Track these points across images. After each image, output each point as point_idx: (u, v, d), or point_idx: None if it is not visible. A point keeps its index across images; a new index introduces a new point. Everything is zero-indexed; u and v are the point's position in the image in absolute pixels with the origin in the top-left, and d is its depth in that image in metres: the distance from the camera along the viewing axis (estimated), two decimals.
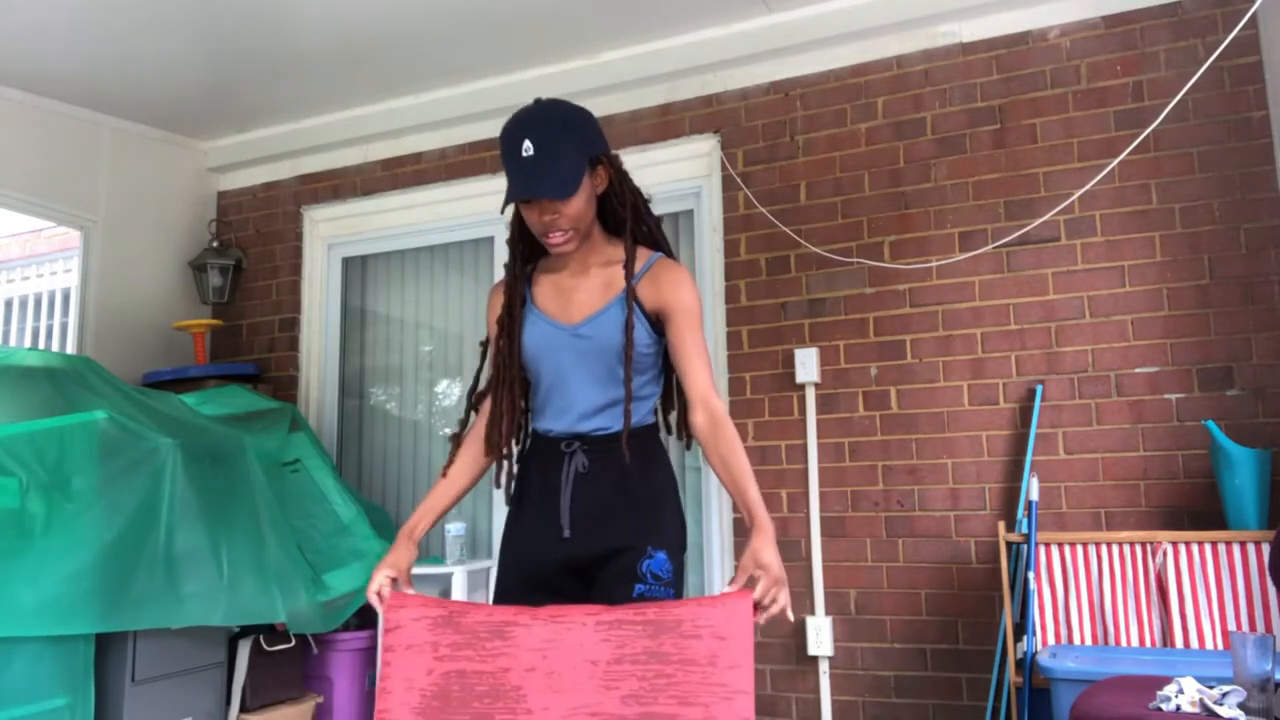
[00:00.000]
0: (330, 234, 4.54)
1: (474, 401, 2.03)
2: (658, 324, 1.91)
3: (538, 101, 1.90)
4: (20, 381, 3.04)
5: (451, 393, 4.30)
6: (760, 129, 3.68)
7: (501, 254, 4.15)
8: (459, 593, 3.60)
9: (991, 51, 3.37)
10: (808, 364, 3.46)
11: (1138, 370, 3.08)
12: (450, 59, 3.88)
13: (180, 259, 4.57)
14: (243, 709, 3.35)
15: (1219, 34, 3.07)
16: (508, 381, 1.94)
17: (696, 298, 1.90)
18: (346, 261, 4.58)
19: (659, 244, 1.99)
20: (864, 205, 3.48)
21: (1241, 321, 2.99)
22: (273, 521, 3.42)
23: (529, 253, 2.01)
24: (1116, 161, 3.15)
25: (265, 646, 3.39)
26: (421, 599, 1.78)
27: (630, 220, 1.93)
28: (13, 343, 6.75)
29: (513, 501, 2.00)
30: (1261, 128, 3.02)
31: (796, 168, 3.60)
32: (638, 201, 1.97)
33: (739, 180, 3.67)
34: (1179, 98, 3.07)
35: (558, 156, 1.79)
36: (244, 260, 4.64)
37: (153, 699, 3.02)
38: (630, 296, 1.87)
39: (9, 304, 6.96)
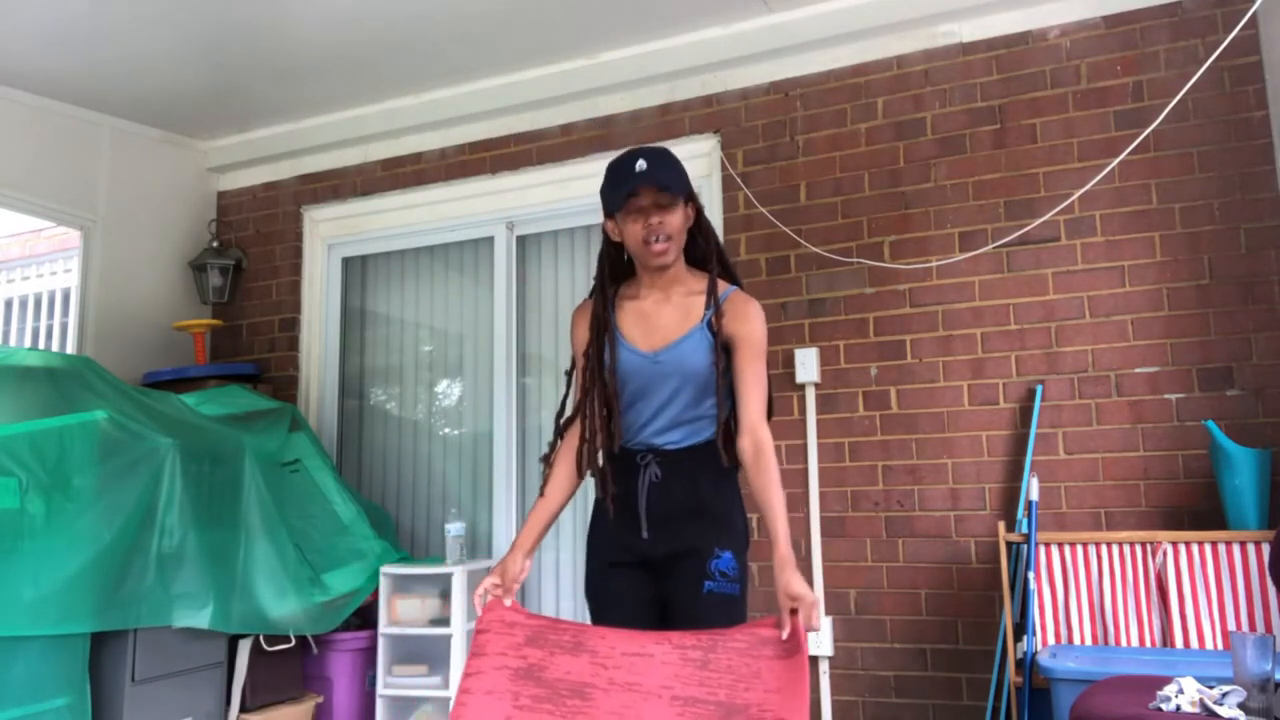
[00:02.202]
0: (330, 234, 4.54)
1: (562, 428, 2.22)
2: (727, 351, 2.09)
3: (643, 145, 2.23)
4: (20, 381, 3.04)
5: (451, 393, 4.30)
6: (760, 129, 3.68)
7: (501, 254, 4.16)
8: (459, 593, 3.60)
9: (991, 51, 3.37)
10: (808, 364, 3.46)
11: (1138, 370, 3.08)
12: (450, 59, 3.88)
13: (180, 259, 4.57)
14: (243, 709, 3.34)
15: (1219, 34, 3.07)
16: (598, 408, 2.12)
17: (763, 333, 2.09)
18: (346, 261, 4.58)
19: (734, 279, 2.20)
20: (864, 205, 3.48)
21: (1241, 321, 2.99)
22: (272, 521, 3.42)
23: (615, 278, 2.22)
24: (1116, 161, 3.15)
25: (265, 646, 3.39)
26: (513, 610, 1.96)
27: (715, 252, 2.16)
28: (13, 343, 6.75)
29: (597, 504, 2.19)
30: (1261, 128, 3.02)
31: (796, 168, 3.60)
32: (718, 248, 2.19)
33: (739, 180, 3.67)
34: (1179, 98, 3.07)
35: (669, 167, 2.05)
36: (244, 260, 4.64)
37: (152, 699, 3.02)
38: (711, 325, 2.07)
39: (9, 304, 6.95)
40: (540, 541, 2.16)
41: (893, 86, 3.50)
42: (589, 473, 2.15)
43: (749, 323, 2.07)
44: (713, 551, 2.03)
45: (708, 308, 2.08)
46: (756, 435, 1.99)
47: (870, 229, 3.46)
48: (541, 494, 2.17)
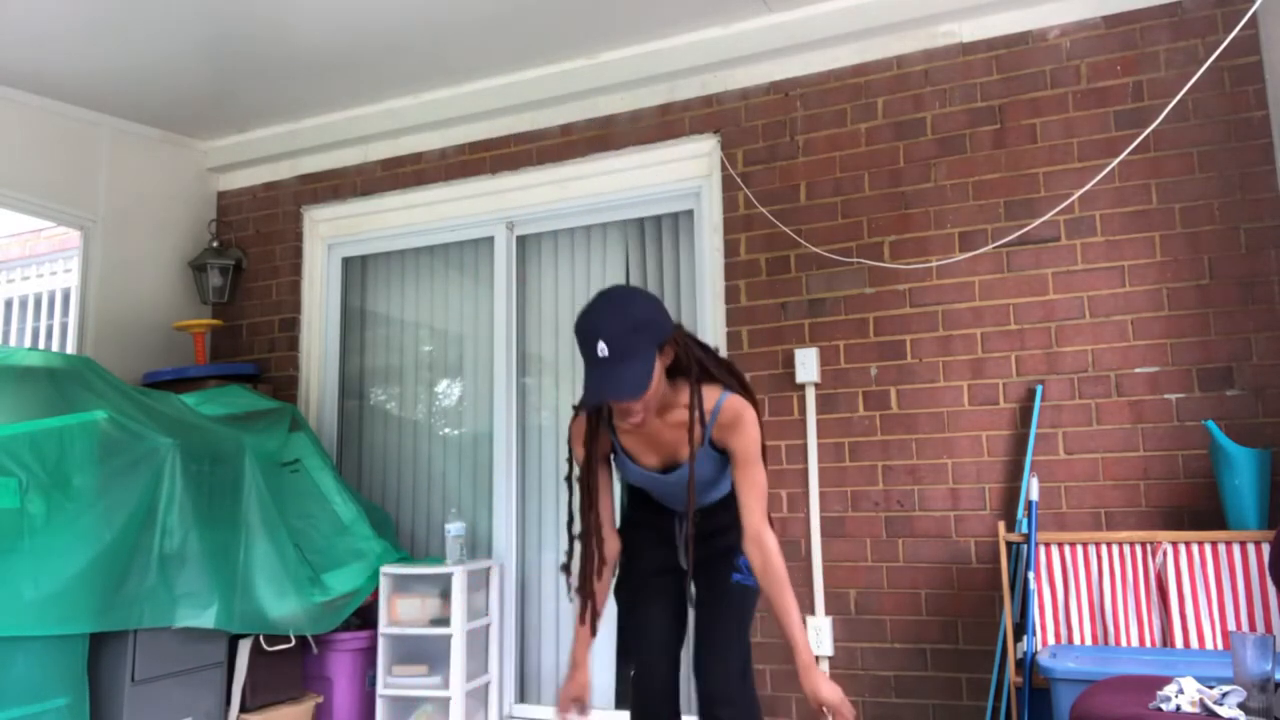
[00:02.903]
0: (330, 234, 4.54)
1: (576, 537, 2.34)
2: (726, 450, 2.20)
3: (609, 297, 2.09)
4: (20, 381, 3.04)
5: (451, 393, 4.30)
6: (760, 129, 3.68)
7: (501, 254, 4.16)
8: (459, 592, 3.60)
9: (991, 51, 3.38)
10: (808, 364, 3.46)
11: (1138, 370, 3.08)
12: (450, 59, 3.88)
13: (180, 259, 4.57)
14: (242, 709, 3.35)
15: (1219, 34, 3.07)
16: (593, 533, 2.25)
17: (755, 438, 2.16)
18: (346, 261, 4.58)
19: (722, 375, 2.22)
20: (864, 205, 3.48)
21: (1241, 321, 2.99)
22: (272, 521, 3.42)
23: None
24: (1116, 161, 3.15)
25: (265, 646, 3.39)
26: None
27: (696, 375, 2.16)
28: (13, 343, 6.75)
29: (627, 530, 2.39)
30: (1261, 128, 3.02)
31: (796, 168, 3.60)
32: (702, 355, 2.20)
33: (739, 180, 3.67)
34: (1179, 98, 3.07)
35: (632, 355, 2.01)
36: (244, 260, 4.64)
37: (152, 699, 3.02)
38: (713, 443, 2.18)
39: (9, 304, 6.95)
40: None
41: (893, 86, 3.50)
42: (593, 589, 2.27)
43: (741, 436, 2.14)
44: (736, 554, 2.26)
45: (705, 428, 2.14)
46: (761, 542, 2.11)
47: (870, 229, 3.46)
48: (581, 622, 2.27)
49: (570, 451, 2.32)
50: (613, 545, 2.31)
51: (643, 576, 2.38)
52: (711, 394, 2.16)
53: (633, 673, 2.32)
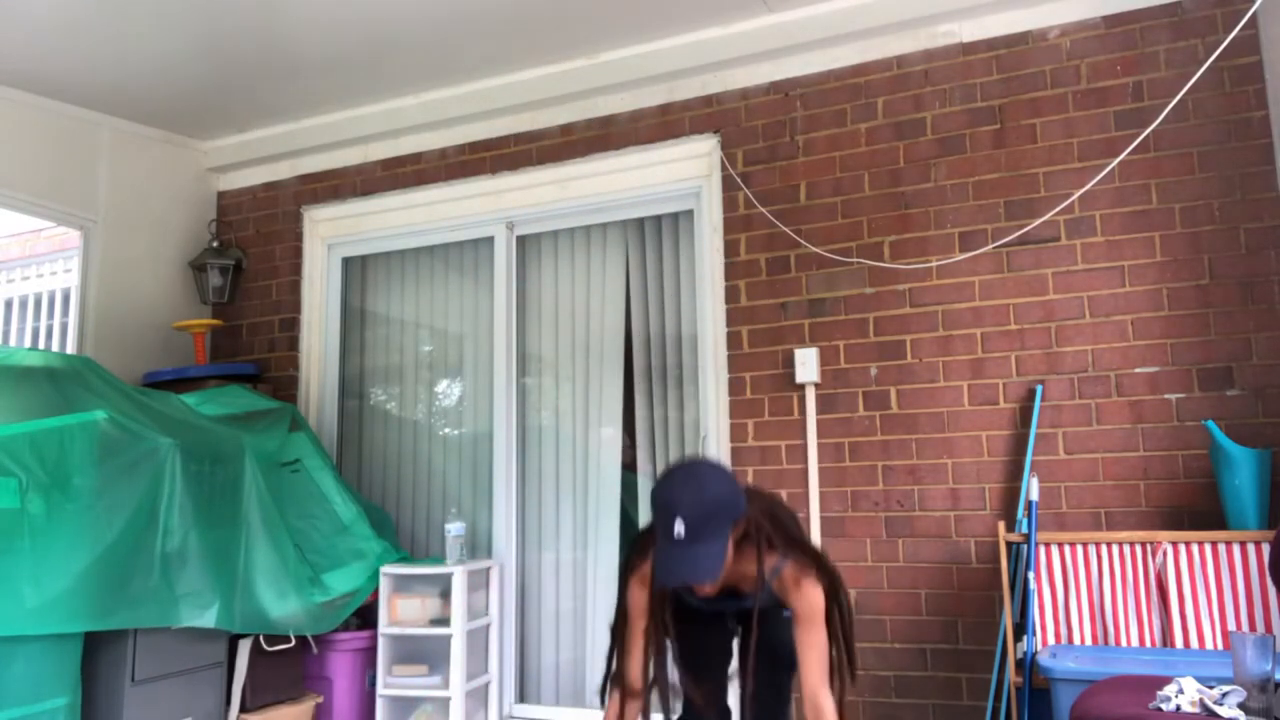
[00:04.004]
0: (330, 234, 4.54)
1: (613, 685, 2.30)
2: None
3: (690, 473, 2.09)
4: (20, 381, 3.04)
5: (451, 393, 4.30)
6: (760, 129, 3.68)
7: (501, 254, 4.16)
8: (459, 592, 3.60)
9: (991, 51, 3.38)
10: (808, 364, 3.46)
11: (1138, 370, 3.08)
12: (450, 59, 3.88)
13: (180, 259, 4.57)
14: (242, 709, 3.34)
15: (1219, 34, 3.07)
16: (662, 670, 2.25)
17: (815, 603, 2.14)
18: (346, 261, 4.58)
19: (784, 545, 2.20)
20: (864, 205, 3.48)
21: (1241, 321, 2.99)
22: (273, 521, 3.42)
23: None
24: (1116, 161, 3.15)
25: (265, 646, 3.39)
26: None
27: (762, 548, 2.15)
28: (13, 343, 6.75)
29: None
30: (1261, 128, 3.02)
31: (796, 168, 3.60)
32: (769, 526, 2.19)
33: (739, 180, 3.67)
34: (1179, 98, 3.07)
35: (709, 538, 2.03)
36: (244, 260, 4.64)
37: (152, 699, 3.02)
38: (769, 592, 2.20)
39: (9, 304, 6.95)
40: None
41: (893, 86, 3.50)
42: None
43: (800, 597, 2.14)
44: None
45: (761, 589, 2.16)
46: (817, 704, 2.08)
47: (870, 229, 3.46)
48: None
49: (621, 591, 2.30)
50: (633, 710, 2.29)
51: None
52: (771, 559, 2.18)
53: None
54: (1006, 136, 3.32)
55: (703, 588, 2.11)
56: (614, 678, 2.27)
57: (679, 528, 2.01)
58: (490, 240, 4.22)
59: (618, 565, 3.78)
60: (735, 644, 2.55)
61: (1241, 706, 1.95)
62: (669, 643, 2.26)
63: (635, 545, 2.31)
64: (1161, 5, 3.17)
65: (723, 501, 2.06)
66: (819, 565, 2.18)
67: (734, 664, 2.53)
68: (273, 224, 4.62)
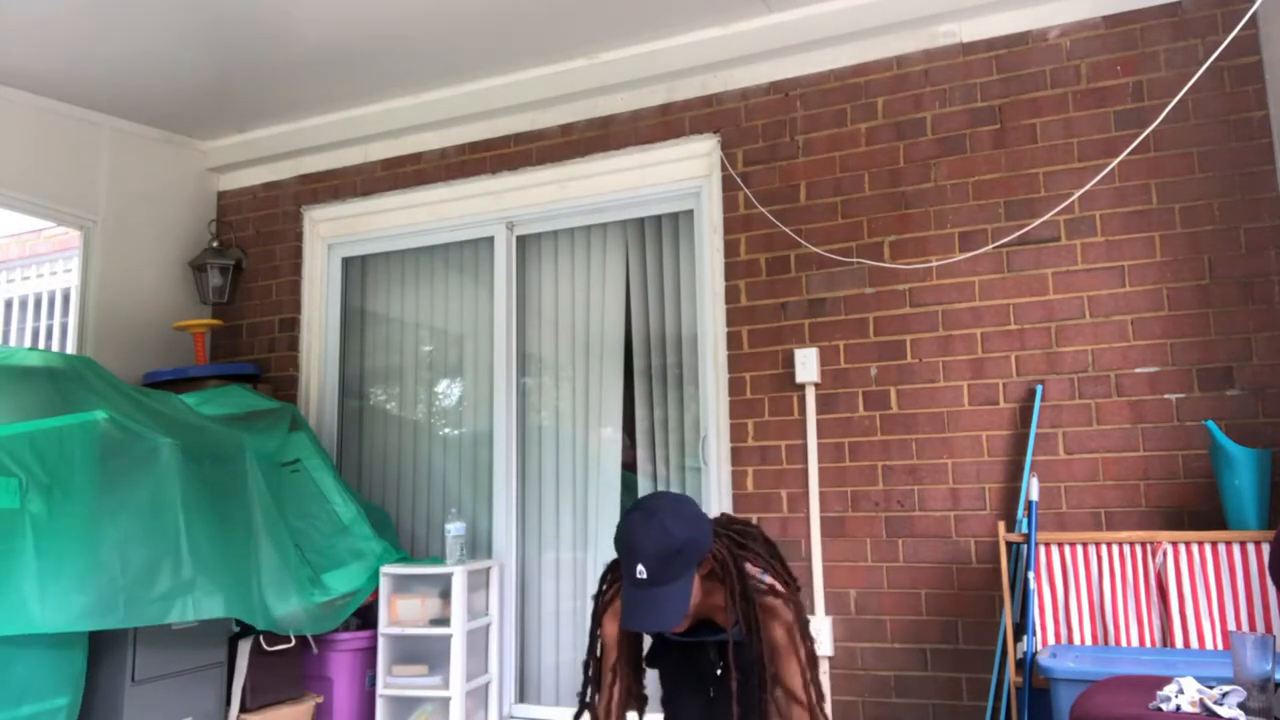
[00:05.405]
0: (330, 234, 4.54)
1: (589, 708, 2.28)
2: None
3: (650, 513, 2.05)
4: (20, 381, 3.04)
5: (451, 393, 4.30)
6: (760, 129, 3.68)
7: (501, 254, 4.16)
8: (459, 592, 3.60)
9: (991, 51, 3.38)
10: (808, 364, 3.46)
11: (1138, 370, 3.08)
12: (450, 59, 3.88)
13: (180, 259, 4.57)
14: (242, 709, 3.35)
15: (1219, 34, 3.07)
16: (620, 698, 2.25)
17: (776, 637, 2.10)
18: (346, 262, 4.58)
19: (758, 576, 2.16)
20: (864, 205, 3.48)
21: (1241, 321, 2.99)
22: (273, 521, 3.42)
23: None
24: (1116, 161, 3.15)
25: (265, 646, 3.39)
26: None
27: (735, 585, 2.10)
28: (13, 343, 6.75)
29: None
30: (1261, 128, 3.02)
31: (796, 168, 3.60)
32: (732, 562, 2.12)
33: (739, 180, 3.67)
34: (1179, 98, 3.07)
35: (671, 579, 2.01)
36: (244, 260, 4.64)
37: (152, 699, 3.02)
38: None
39: (9, 304, 6.95)
40: None
41: (893, 86, 3.50)
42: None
43: (765, 632, 2.10)
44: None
45: (733, 624, 2.11)
46: None
47: (870, 229, 3.46)
48: None
49: (595, 624, 2.27)
50: None
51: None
52: (735, 594, 2.14)
53: None
54: (1006, 136, 3.32)
55: (675, 629, 2.08)
56: (588, 709, 2.24)
57: (640, 571, 2.00)
58: (490, 240, 4.22)
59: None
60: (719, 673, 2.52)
61: (1241, 706, 1.95)
62: (647, 671, 2.26)
63: (606, 577, 2.28)
64: (1161, 5, 3.17)
65: (684, 540, 2.02)
66: (783, 598, 2.14)
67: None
68: (273, 224, 4.62)
